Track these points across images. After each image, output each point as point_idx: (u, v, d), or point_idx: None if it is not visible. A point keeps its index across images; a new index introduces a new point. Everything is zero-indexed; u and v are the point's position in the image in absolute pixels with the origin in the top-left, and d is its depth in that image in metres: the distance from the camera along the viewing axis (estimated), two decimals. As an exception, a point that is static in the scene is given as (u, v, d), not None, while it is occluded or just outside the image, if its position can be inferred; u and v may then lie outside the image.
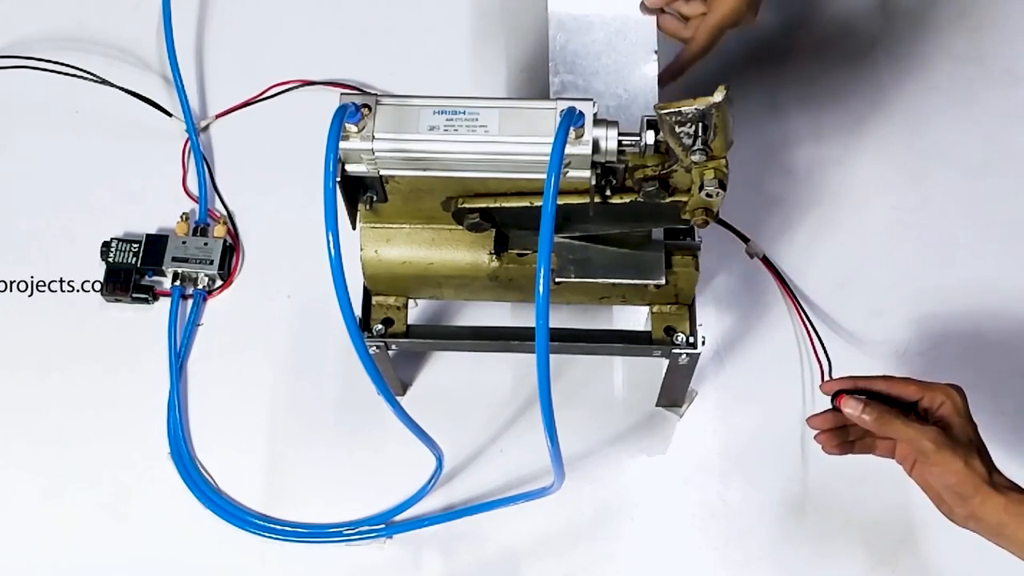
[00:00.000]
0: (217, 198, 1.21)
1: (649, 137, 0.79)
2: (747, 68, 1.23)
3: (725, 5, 0.95)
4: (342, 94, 0.80)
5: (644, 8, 0.98)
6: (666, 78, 0.96)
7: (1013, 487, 0.82)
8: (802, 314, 1.10)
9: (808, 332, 1.08)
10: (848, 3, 1.29)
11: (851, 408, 0.87)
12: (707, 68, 1.02)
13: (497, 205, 0.85)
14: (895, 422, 0.85)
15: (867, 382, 0.89)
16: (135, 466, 1.09)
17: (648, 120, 0.79)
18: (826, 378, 1.02)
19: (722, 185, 0.79)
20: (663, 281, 0.91)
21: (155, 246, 1.16)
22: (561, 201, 0.82)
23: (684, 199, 0.83)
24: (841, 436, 0.91)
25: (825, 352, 1.05)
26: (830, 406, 0.90)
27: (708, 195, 0.80)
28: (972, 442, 0.84)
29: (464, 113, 0.80)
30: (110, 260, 1.15)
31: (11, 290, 1.16)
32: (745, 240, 1.10)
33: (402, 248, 0.92)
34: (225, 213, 1.20)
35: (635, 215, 0.86)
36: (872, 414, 0.86)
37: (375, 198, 0.86)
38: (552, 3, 0.98)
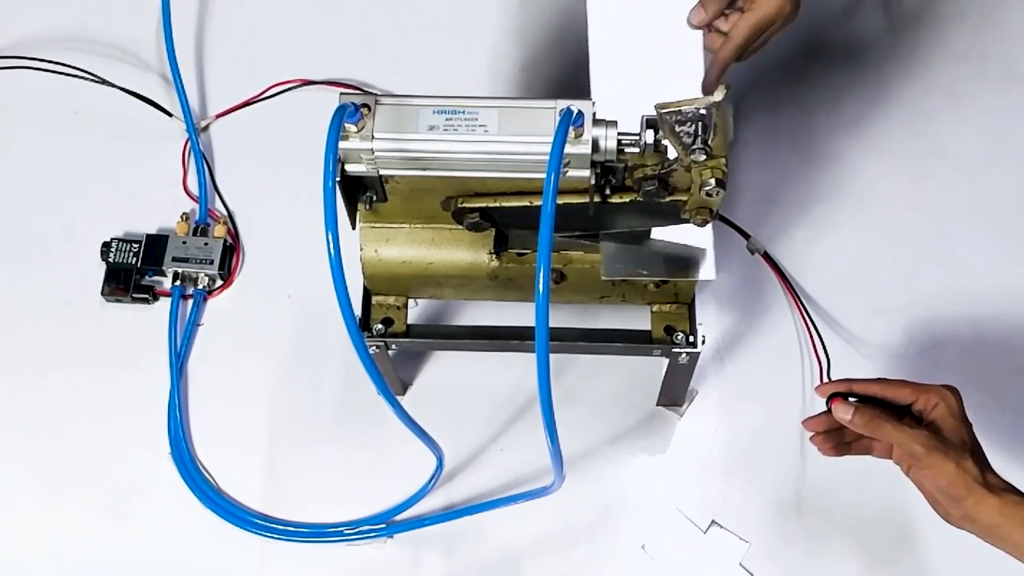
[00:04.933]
0: (217, 198, 1.21)
1: (648, 136, 0.79)
2: (748, 67, 1.23)
3: (768, 3, 0.94)
4: (342, 94, 0.80)
5: (690, 25, 0.96)
6: (706, 83, 0.96)
7: (1008, 488, 0.82)
8: (802, 310, 1.10)
9: (808, 328, 1.09)
10: (848, 2, 1.29)
11: (841, 412, 0.87)
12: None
13: (497, 205, 0.85)
14: (885, 426, 0.85)
15: (862, 386, 0.89)
16: (135, 466, 1.09)
17: (648, 119, 0.79)
18: (824, 377, 1.03)
19: (721, 184, 0.79)
20: (713, 276, 0.90)
21: (155, 246, 1.16)
22: (561, 201, 0.82)
23: (684, 198, 0.83)
24: (837, 438, 0.91)
25: (825, 350, 1.05)
26: (825, 408, 0.90)
27: (707, 195, 0.80)
28: (965, 443, 0.83)
29: (464, 113, 0.79)
30: (110, 260, 1.16)
31: (11, 290, 1.16)
32: (746, 236, 1.11)
33: (402, 248, 0.92)
34: (225, 213, 1.20)
35: (635, 214, 0.86)
36: (862, 418, 0.86)
37: (375, 198, 0.86)
38: (592, 30, 0.96)
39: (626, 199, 0.84)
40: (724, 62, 0.96)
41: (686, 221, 0.85)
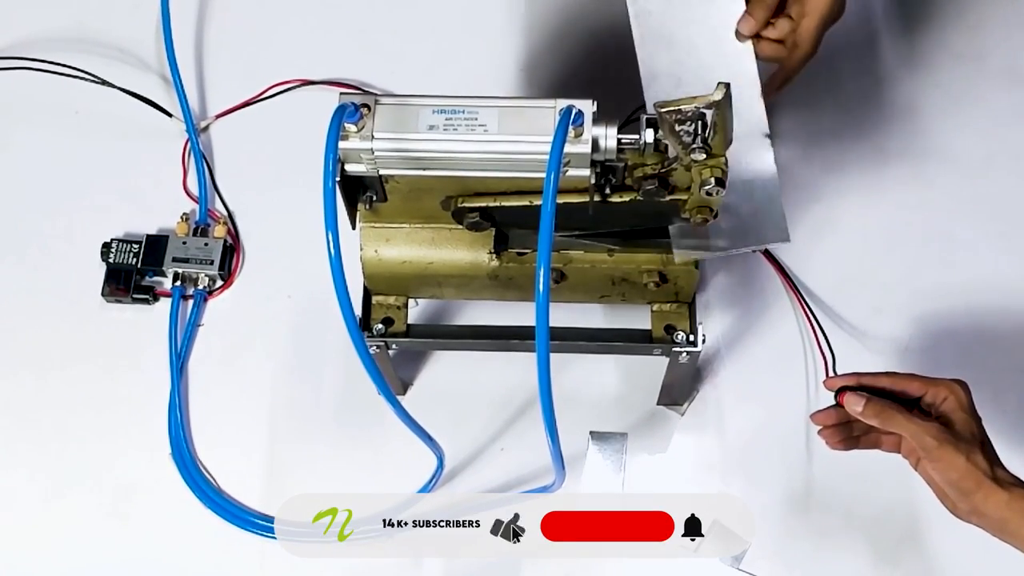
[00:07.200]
0: (217, 198, 1.21)
1: (648, 135, 0.79)
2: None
3: (821, 3, 0.93)
4: (341, 93, 0.80)
5: (740, 36, 0.95)
6: (771, 90, 0.95)
7: (1016, 483, 0.82)
8: (805, 306, 1.10)
9: (811, 324, 1.09)
10: (847, 1, 1.29)
11: (852, 404, 0.87)
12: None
13: (497, 204, 0.85)
14: (897, 418, 0.85)
15: (871, 379, 0.89)
16: (136, 466, 1.09)
17: (647, 119, 0.79)
18: (830, 372, 1.03)
19: (721, 183, 0.79)
20: (788, 239, 0.90)
21: (155, 246, 1.16)
22: (560, 200, 0.82)
23: (684, 197, 0.83)
24: (845, 432, 0.91)
25: (828, 345, 1.05)
26: (833, 402, 0.90)
27: (707, 193, 0.80)
28: (975, 437, 0.83)
29: (463, 112, 0.80)
30: (110, 261, 1.15)
31: (11, 290, 1.16)
32: (747, 233, 1.10)
33: (402, 248, 0.92)
34: (225, 213, 1.20)
35: (635, 214, 0.86)
36: (873, 410, 0.86)
37: (375, 198, 0.87)
38: (640, 50, 0.93)
39: (626, 199, 0.84)
40: (792, 71, 0.95)
41: (686, 220, 0.85)
